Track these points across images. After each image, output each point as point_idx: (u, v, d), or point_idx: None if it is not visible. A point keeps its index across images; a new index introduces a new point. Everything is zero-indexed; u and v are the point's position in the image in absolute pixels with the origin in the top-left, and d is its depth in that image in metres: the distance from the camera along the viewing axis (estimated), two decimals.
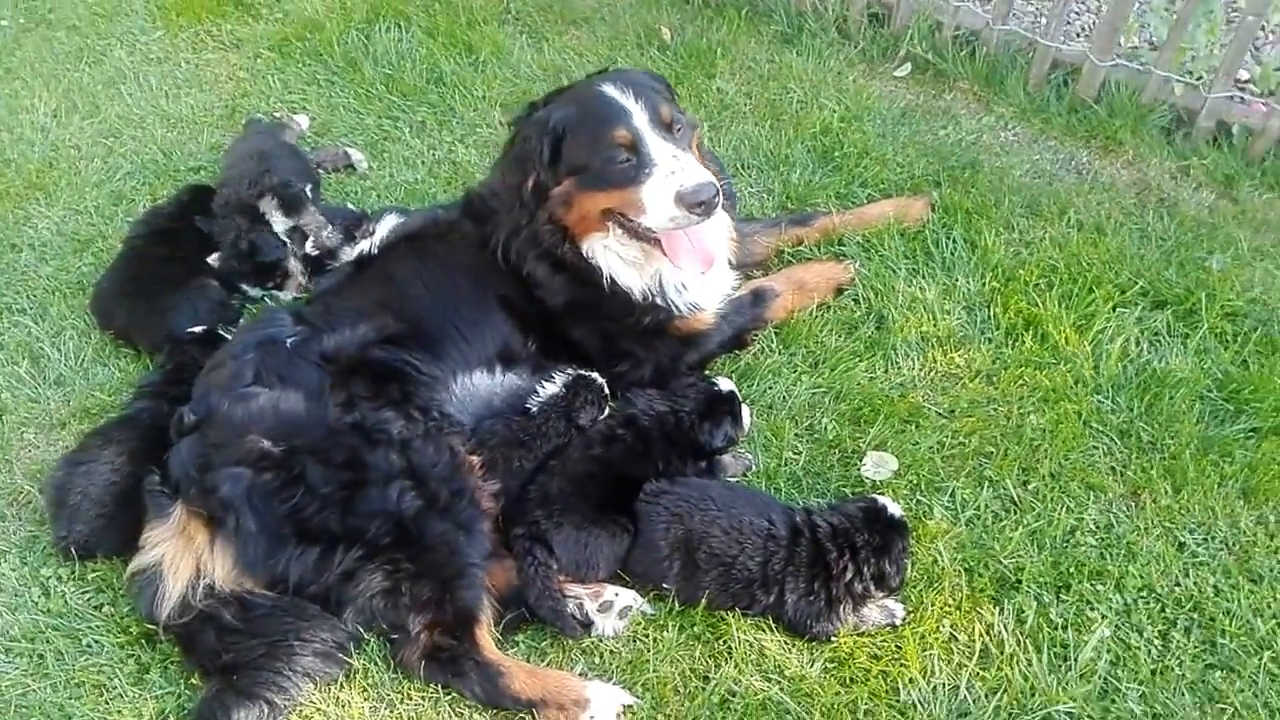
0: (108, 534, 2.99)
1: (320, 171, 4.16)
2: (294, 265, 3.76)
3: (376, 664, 2.83)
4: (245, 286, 3.76)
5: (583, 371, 3.23)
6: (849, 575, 2.85)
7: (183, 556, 2.83)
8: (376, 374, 3.06)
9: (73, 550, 2.97)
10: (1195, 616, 2.91)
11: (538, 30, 5.02)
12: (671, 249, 3.14)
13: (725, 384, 3.28)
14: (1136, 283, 3.74)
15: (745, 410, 3.28)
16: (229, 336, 3.47)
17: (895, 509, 2.98)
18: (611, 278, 3.25)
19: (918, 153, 4.33)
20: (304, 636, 2.74)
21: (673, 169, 2.99)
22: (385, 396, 3.03)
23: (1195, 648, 2.84)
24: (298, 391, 2.97)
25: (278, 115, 4.49)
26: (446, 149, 4.41)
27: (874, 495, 3.05)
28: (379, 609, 2.81)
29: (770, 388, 3.46)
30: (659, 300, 3.32)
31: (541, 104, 3.25)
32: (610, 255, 3.24)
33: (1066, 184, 4.24)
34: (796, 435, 3.36)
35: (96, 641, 2.89)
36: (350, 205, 4.02)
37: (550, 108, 3.17)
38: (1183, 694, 2.75)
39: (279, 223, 3.75)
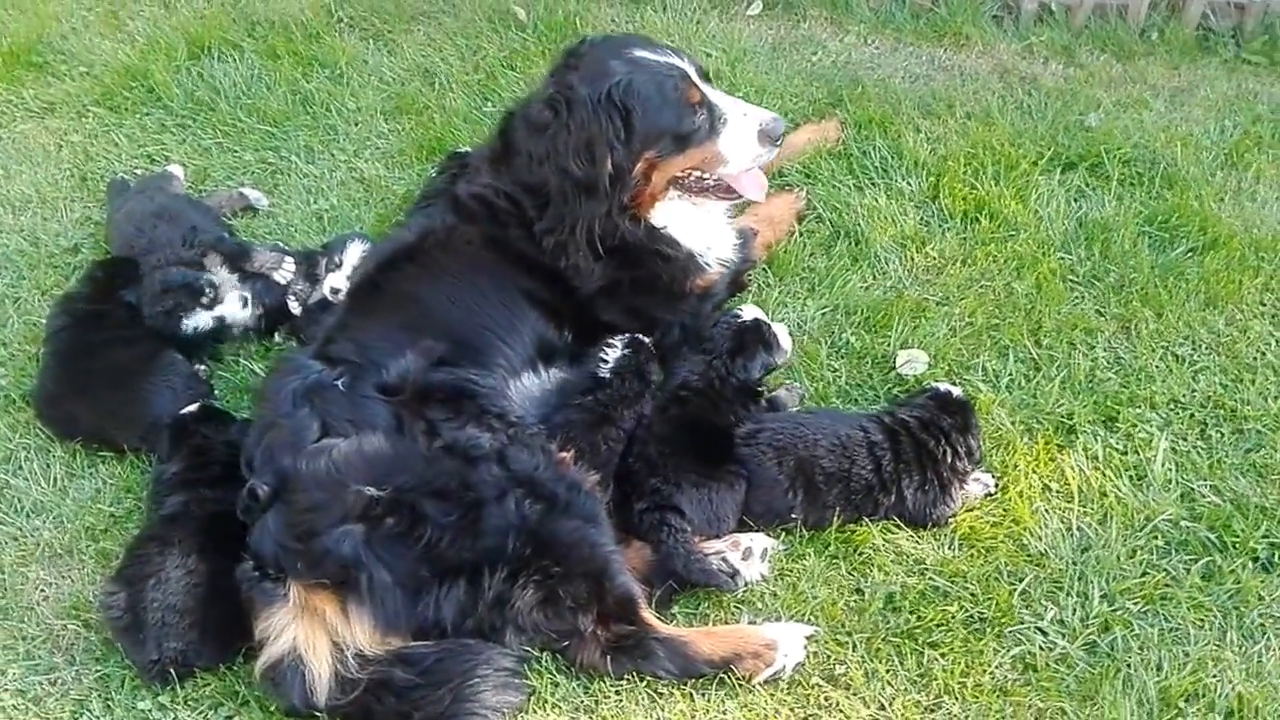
0: (206, 642, 2.76)
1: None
2: (222, 276, 3.58)
3: (557, 677, 2.78)
4: (188, 323, 3.49)
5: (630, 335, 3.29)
6: (950, 457, 3.12)
7: (316, 634, 2.66)
8: (446, 395, 2.98)
9: (170, 671, 2.71)
10: (1219, 413, 3.40)
11: (380, 33, 4.90)
12: (743, 185, 3.35)
13: (749, 312, 3.41)
14: (1042, 153, 4.23)
15: (779, 329, 3.40)
16: (218, 405, 3.27)
17: (956, 390, 3.29)
18: (677, 243, 3.33)
19: (804, 81, 4.64)
20: (480, 673, 2.67)
21: (743, 111, 3.19)
22: (464, 414, 2.95)
23: (1231, 437, 3.34)
24: (375, 431, 2.85)
25: (142, 171, 4.15)
26: (346, 168, 4.25)
27: (932, 384, 3.34)
28: (541, 621, 2.77)
29: (784, 319, 3.64)
30: (704, 258, 3.41)
31: (554, 85, 3.19)
32: (678, 221, 3.34)
33: (940, 82, 4.69)
34: (828, 355, 3.57)
35: None
36: (283, 246, 3.80)
37: (594, 84, 3.09)
38: (1239, 477, 3.22)
39: (228, 280, 3.52)
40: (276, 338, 3.64)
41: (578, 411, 3.15)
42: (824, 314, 3.70)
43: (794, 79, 4.64)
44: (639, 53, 3.16)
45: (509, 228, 3.28)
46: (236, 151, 4.28)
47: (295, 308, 3.57)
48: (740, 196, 3.42)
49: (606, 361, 3.20)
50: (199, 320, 3.49)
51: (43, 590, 2.99)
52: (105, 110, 4.45)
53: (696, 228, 3.41)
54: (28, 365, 3.52)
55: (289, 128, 4.36)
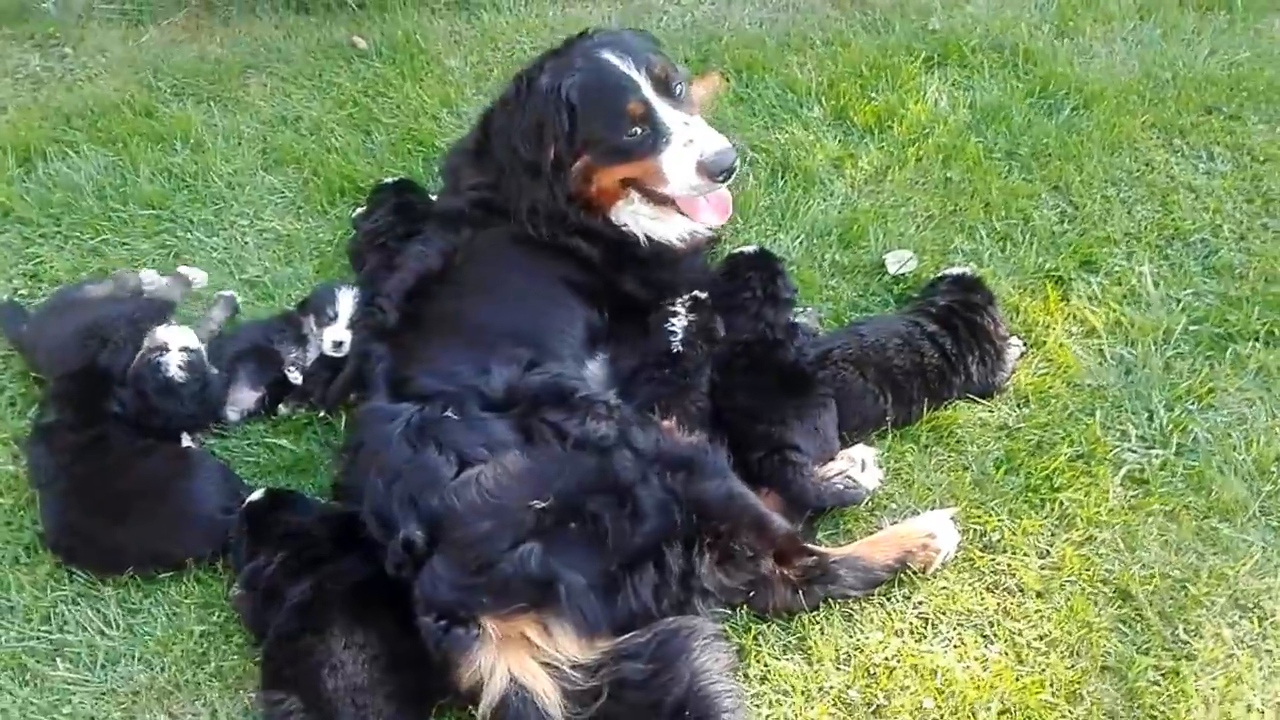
0: (405, 710, 2.65)
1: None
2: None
3: (757, 626, 2.88)
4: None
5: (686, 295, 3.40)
6: (993, 327, 3.47)
7: (525, 660, 2.62)
8: (553, 396, 3.00)
9: None
10: (1166, 234, 3.99)
11: (214, 94, 4.67)
12: (690, 209, 3.32)
13: (749, 249, 3.64)
14: (909, 59, 4.70)
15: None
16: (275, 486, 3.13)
17: (968, 270, 3.67)
18: (647, 236, 3.40)
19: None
20: (699, 644, 2.70)
21: (689, 137, 3.15)
22: (576, 410, 2.97)
23: (1185, 251, 3.93)
24: (508, 449, 2.84)
25: (28, 291, 3.79)
26: (255, 231, 4.05)
27: (944, 271, 3.69)
28: (726, 580, 2.85)
29: None
30: (672, 240, 3.51)
31: (538, 70, 3.26)
32: (640, 218, 3.39)
33: (786, 21, 5.08)
34: (822, 277, 3.83)
35: None
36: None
37: (555, 75, 3.20)
38: (1208, 280, 3.80)
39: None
40: (282, 410, 3.44)
41: (660, 385, 3.23)
42: (800, 243, 3.96)
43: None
44: (606, 55, 3.23)
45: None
46: (128, 243, 3.97)
47: (296, 377, 3.41)
48: (696, 219, 3.36)
49: (676, 332, 3.30)
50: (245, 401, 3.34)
51: None
52: None
53: (662, 227, 3.45)
54: (13, 517, 3.15)
55: (173, 206, 4.10)
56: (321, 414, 3.44)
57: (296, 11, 5.15)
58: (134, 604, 2.97)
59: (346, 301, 3.45)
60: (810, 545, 2.97)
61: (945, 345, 3.37)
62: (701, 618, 2.79)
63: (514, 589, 2.64)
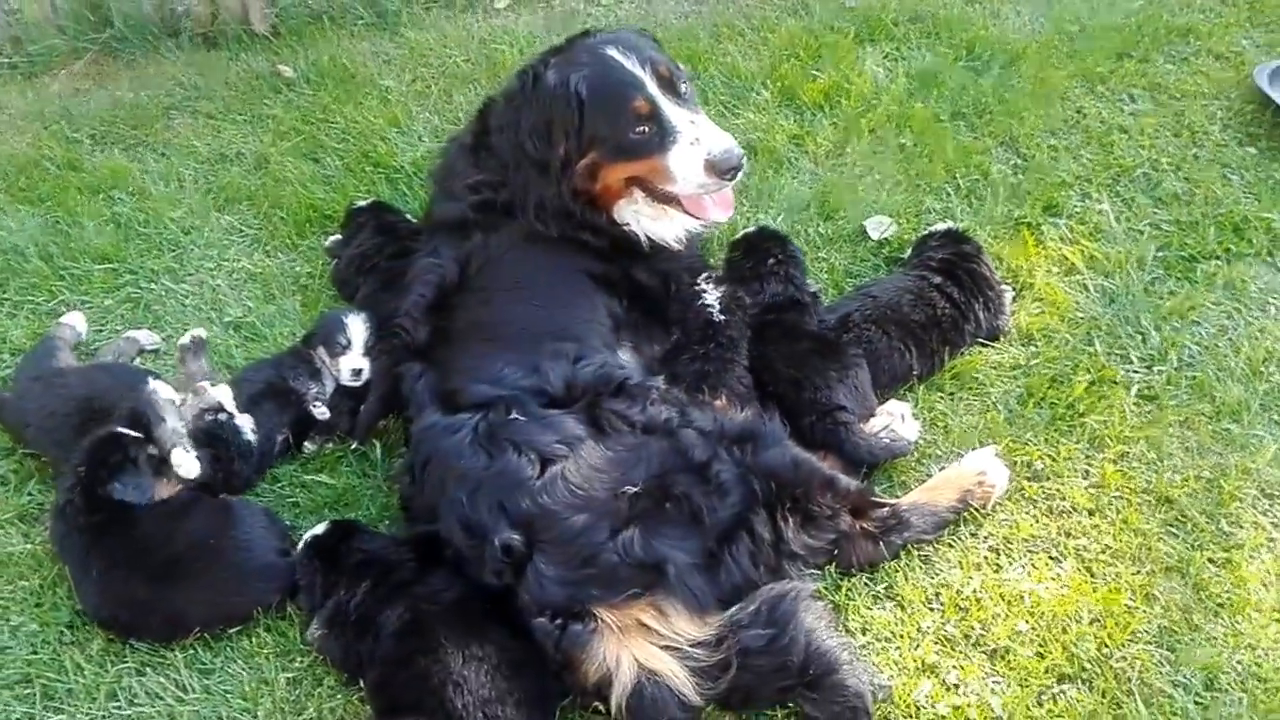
0: (534, 715, 2.65)
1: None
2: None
3: (840, 581, 3.01)
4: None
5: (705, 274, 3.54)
6: (990, 274, 3.70)
7: (646, 645, 2.67)
8: (609, 386, 3.07)
9: None
10: (1112, 172, 4.33)
11: (139, 139, 4.53)
12: (696, 207, 3.34)
13: (752, 229, 3.81)
14: (840, 36, 4.94)
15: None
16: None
17: (951, 223, 3.90)
18: (648, 237, 3.47)
19: None
20: (806, 605, 2.78)
21: (695, 136, 3.19)
22: (634, 396, 3.05)
23: (1133, 186, 4.27)
24: (582, 441, 2.89)
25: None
26: (225, 273, 3.95)
27: (930, 228, 3.91)
28: (811, 541, 2.96)
29: None
30: (669, 240, 3.55)
31: (543, 66, 3.29)
32: (641, 218, 3.44)
33: (707, 12, 5.30)
34: (811, 249, 4.00)
35: None
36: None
37: (562, 71, 3.24)
38: (1158, 210, 4.13)
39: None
40: (309, 448, 3.39)
41: (705, 362, 3.33)
42: (782, 220, 4.12)
43: None
44: (610, 52, 3.28)
45: None
46: (88, 300, 3.83)
47: (324, 412, 3.35)
48: (700, 217, 3.39)
49: (711, 305, 3.40)
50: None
51: None
52: None
53: (663, 226, 3.49)
54: (42, 598, 3.02)
55: (128, 257, 3.97)
56: (354, 445, 3.39)
57: (204, 47, 5.04)
58: (205, 664, 2.87)
59: (358, 328, 3.42)
60: (880, 498, 3.11)
61: (953, 295, 3.58)
62: (796, 581, 2.89)
63: (622, 576, 2.69)
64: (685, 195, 3.32)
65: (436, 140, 4.47)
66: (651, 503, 2.79)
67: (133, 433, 2.98)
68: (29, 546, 3.12)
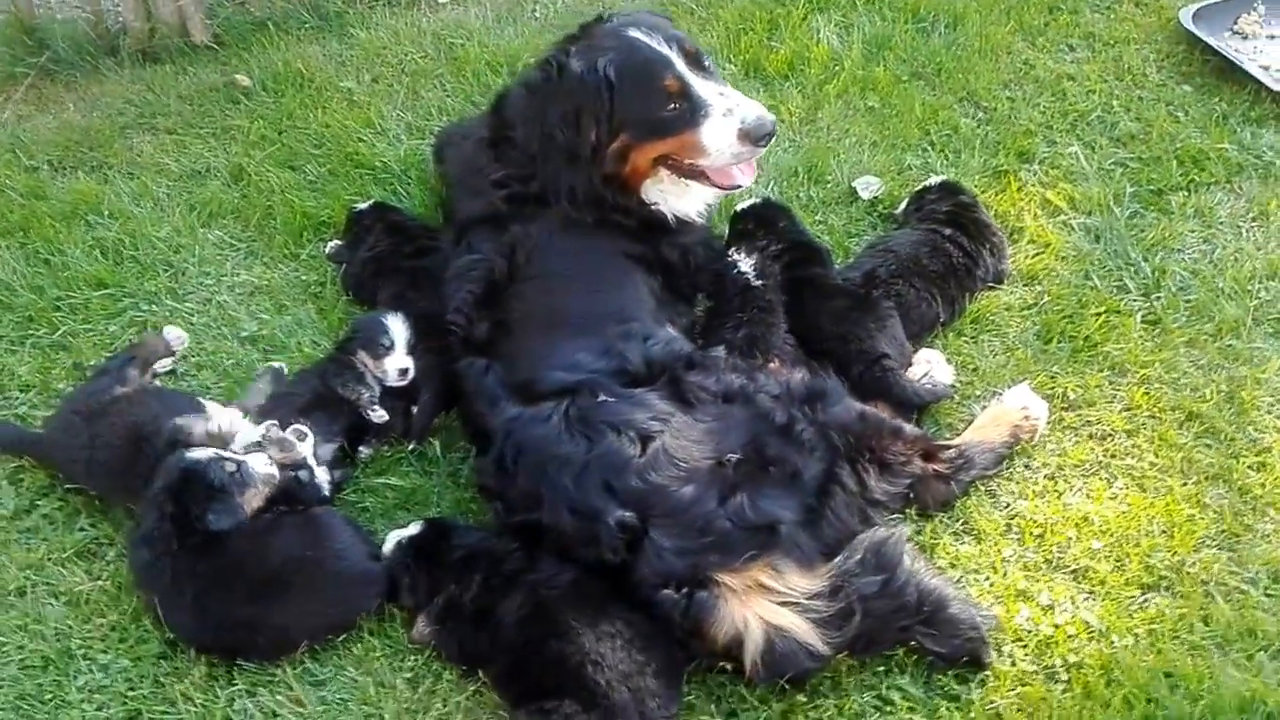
0: (670, 682, 2.69)
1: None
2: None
3: (917, 523, 3.12)
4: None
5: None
6: (989, 220, 3.87)
7: (769, 604, 2.72)
8: (679, 361, 3.11)
9: None
10: (1070, 118, 4.50)
11: (102, 162, 4.33)
12: (722, 176, 3.40)
13: (756, 201, 3.88)
14: (789, 10, 5.02)
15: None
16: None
17: (942, 177, 4.04)
18: (674, 214, 3.51)
19: (552, 35, 4.85)
20: (906, 548, 2.89)
21: (727, 107, 3.23)
22: (706, 368, 3.10)
23: (1092, 129, 4.46)
24: (673, 415, 2.94)
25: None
26: (228, 289, 3.82)
27: (926, 182, 4.04)
28: (890, 487, 3.06)
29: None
30: (691, 216, 3.62)
31: (564, 55, 3.28)
32: (668, 196, 3.48)
33: None
34: (809, 213, 4.09)
35: None
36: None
37: (589, 56, 3.23)
38: (1120, 148, 4.36)
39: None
40: (365, 453, 3.32)
41: (751, 326, 3.39)
42: (773, 188, 4.20)
43: (542, 35, 4.93)
44: (634, 34, 3.30)
45: None
46: (90, 329, 3.66)
47: (382, 415, 3.28)
48: (729, 186, 3.46)
49: (746, 270, 3.47)
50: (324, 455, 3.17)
51: None
52: None
53: (686, 202, 3.55)
54: (126, 633, 2.90)
55: (123, 281, 3.80)
56: (410, 446, 3.33)
57: (144, 63, 4.83)
58: (316, 675, 2.81)
59: (399, 328, 3.36)
60: (944, 439, 3.23)
61: (964, 244, 3.73)
62: (887, 526, 2.99)
63: (738, 541, 2.74)
64: (716, 167, 3.36)
65: (415, 138, 4.41)
66: (753, 467, 2.84)
67: (211, 453, 2.87)
68: (98, 583, 3.00)
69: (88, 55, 4.71)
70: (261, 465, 2.89)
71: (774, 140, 3.37)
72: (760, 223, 3.73)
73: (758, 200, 3.86)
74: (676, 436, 2.86)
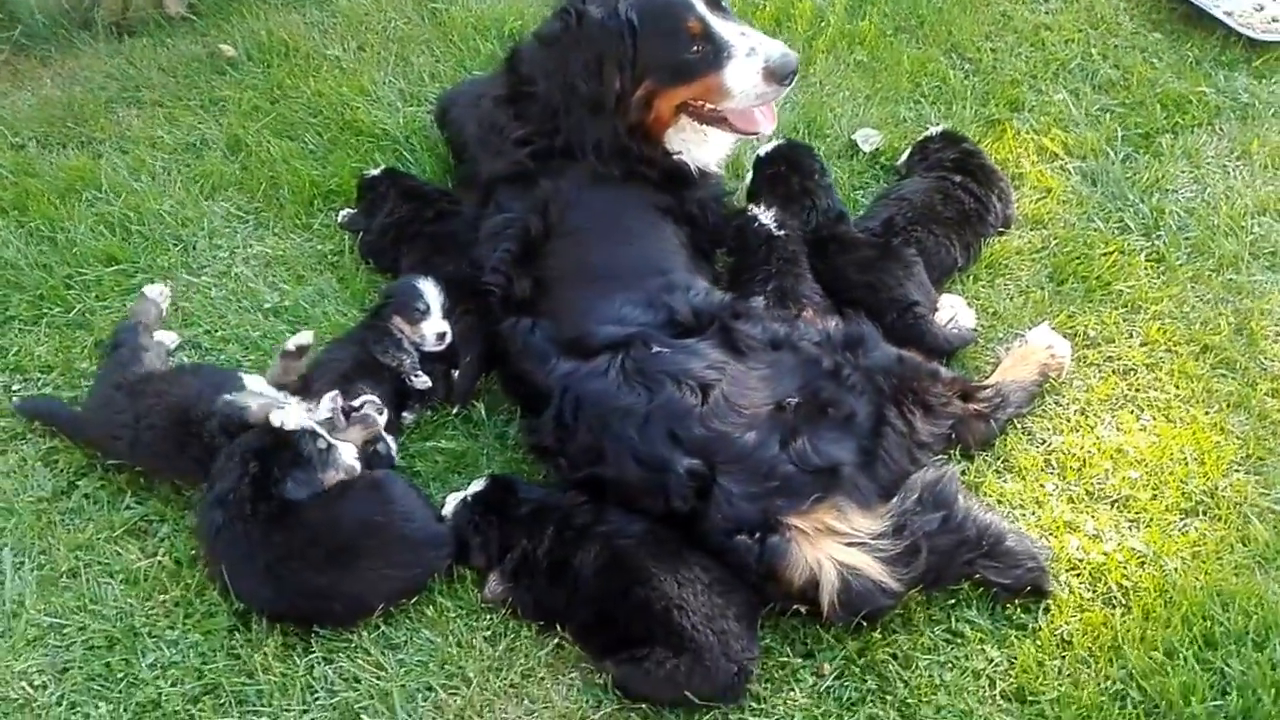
0: (749, 627, 2.72)
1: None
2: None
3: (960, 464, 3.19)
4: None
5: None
6: (994, 166, 3.96)
7: (837, 546, 2.77)
8: (726, 310, 3.13)
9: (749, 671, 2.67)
10: (1053, 67, 4.62)
11: (92, 137, 4.19)
12: (745, 121, 3.38)
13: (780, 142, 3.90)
14: None
15: None
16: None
17: (943, 126, 4.11)
18: (696, 165, 3.51)
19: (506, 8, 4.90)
20: (960, 488, 2.97)
21: (750, 46, 3.22)
22: (750, 317, 3.13)
23: (1074, 77, 4.58)
24: (728, 363, 2.96)
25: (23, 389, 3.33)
26: (243, 261, 3.73)
27: (926, 133, 4.11)
28: (934, 428, 3.11)
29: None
30: (710, 166, 3.65)
31: (581, 3, 3.23)
32: (690, 146, 3.48)
33: None
34: None
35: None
36: None
37: (609, 3, 3.19)
38: (1104, 95, 4.49)
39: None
40: (409, 419, 3.29)
41: (780, 277, 3.42)
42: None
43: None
44: None
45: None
46: (106, 305, 3.56)
47: (425, 381, 3.24)
48: (750, 131, 3.43)
49: (767, 223, 3.51)
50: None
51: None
52: None
53: (706, 151, 3.56)
54: (191, 609, 2.85)
55: (133, 256, 3.70)
56: (454, 410, 3.31)
57: (120, 36, 4.68)
58: (394, 639, 2.79)
59: (433, 292, 3.31)
60: (980, 380, 3.31)
61: (974, 190, 3.80)
62: (935, 467, 3.05)
63: (803, 484, 2.78)
64: (738, 110, 3.35)
65: (410, 105, 4.35)
66: (810, 411, 2.88)
67: (308, 424, 2.82)
68: (154, 559, 2.92)
69: (62, 30, 4.55)
70: (349, 456, 2.86)
71: (797, 78, 3.37)
72: (793, 167, 3.73)
73: (782, 142, 3.87)
74: (734, 384, 2.88)
